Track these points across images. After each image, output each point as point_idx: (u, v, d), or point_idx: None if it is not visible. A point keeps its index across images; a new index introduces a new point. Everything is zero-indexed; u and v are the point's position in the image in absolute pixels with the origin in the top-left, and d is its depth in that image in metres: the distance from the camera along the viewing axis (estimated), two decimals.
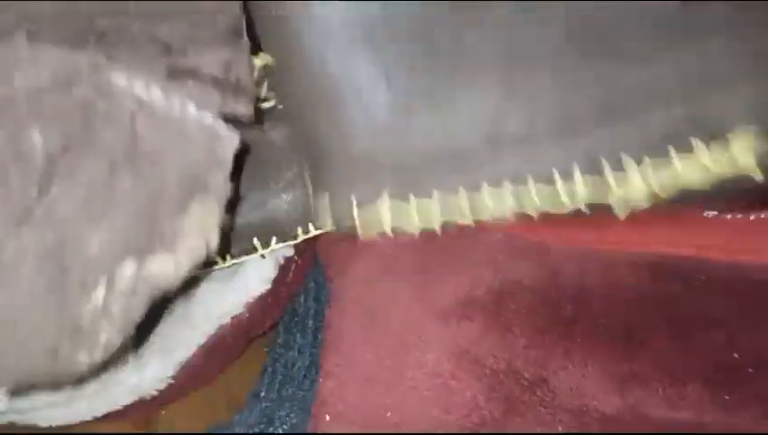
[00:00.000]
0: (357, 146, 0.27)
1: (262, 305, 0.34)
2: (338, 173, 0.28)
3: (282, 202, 0.32)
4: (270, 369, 0.34)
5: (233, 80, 0.24)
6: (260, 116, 0.28)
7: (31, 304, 0.21)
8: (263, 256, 0.33)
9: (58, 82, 0.21)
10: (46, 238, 0.20)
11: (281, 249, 0.34)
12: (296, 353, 0.34)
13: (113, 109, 0.21)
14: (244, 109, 0.25)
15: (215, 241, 0.24)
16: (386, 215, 0.27)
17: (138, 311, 0.22)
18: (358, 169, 0.27)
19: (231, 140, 0.24)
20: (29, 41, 0.21)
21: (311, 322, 0.35)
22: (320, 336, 0.33)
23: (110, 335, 0.22)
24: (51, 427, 0.32)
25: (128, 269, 0.21)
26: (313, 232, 0.32)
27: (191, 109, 0.23)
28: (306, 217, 0.31)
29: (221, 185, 0.23)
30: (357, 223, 0.28)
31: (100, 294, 0.21)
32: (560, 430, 0.29)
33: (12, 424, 0.32)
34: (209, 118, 0.23)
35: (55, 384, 0.24)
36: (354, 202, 0.27)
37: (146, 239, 0.22)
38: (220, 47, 0.24)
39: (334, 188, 0.28)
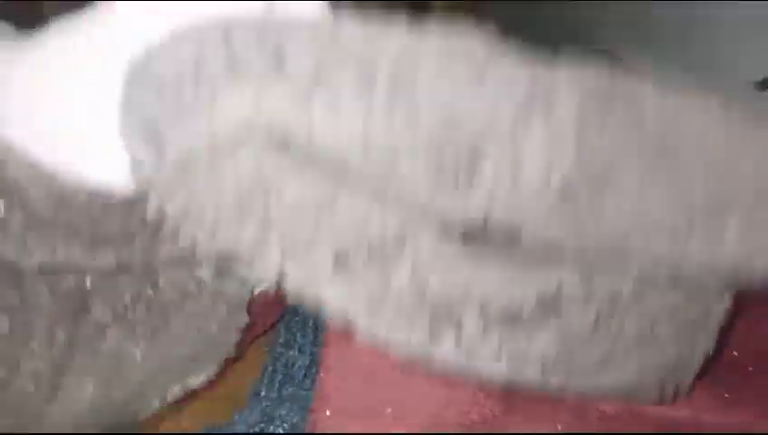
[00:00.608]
0: None
1: (261, 304, 0.34)
2: None
3: None
4: (270, 368, 0.34)
5: None
6: None
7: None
8: None
9: None
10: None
11: None
12: (297, 353, 0.34)
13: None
14: None
15: None
16: None
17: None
18: None
19: None
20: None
21: (311, 321, 0.35)
22: (320, 335, 0.33)
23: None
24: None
25: (176, 389, 0.31)
26: None
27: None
28: None
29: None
30: None
31: (155, 405, 0.31)
32: (559, 429, 0.29)
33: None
34: None
35: None
36: None
37: (188, 372, 0.30)
38: None
39: None
